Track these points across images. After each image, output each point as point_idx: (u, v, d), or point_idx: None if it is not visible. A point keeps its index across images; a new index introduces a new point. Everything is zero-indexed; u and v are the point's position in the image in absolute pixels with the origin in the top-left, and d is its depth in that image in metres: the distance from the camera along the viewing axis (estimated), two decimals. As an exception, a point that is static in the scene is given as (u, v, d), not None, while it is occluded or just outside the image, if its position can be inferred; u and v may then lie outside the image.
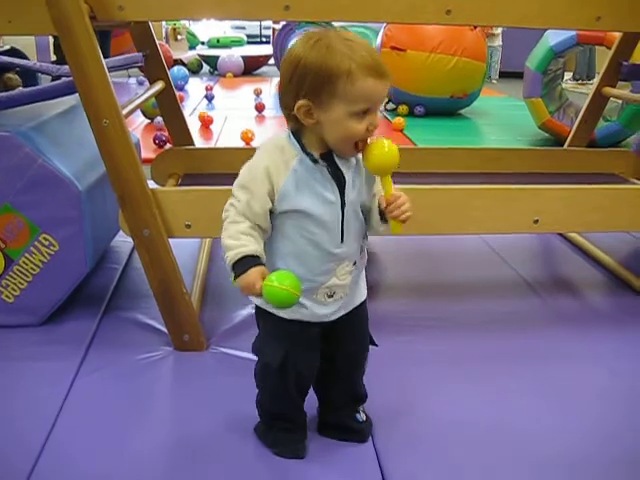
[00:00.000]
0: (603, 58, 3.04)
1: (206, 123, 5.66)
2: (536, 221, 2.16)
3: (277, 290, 1.30)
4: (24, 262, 2.13)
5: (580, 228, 2.51)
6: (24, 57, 3.56)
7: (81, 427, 1.70)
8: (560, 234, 3.18)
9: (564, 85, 5.48)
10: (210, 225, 1.97)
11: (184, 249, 2.24)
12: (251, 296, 1.38)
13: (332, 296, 1.48)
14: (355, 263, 1.49)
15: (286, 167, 1.39)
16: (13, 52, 3.52)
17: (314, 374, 1.59)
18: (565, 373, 2.00)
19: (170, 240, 2.02)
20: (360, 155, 1.41)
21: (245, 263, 1.35)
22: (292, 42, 1.39)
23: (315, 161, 1.39)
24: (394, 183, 1.40)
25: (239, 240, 1.38)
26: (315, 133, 1.38)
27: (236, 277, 1.36)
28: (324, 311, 1.49)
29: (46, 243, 2.12)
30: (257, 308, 1.54)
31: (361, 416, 1.68)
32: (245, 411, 1.68)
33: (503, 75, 9.08)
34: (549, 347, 2.15)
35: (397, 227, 1.41)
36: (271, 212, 1.42)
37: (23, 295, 2.16)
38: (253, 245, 1.38)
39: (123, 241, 2.76)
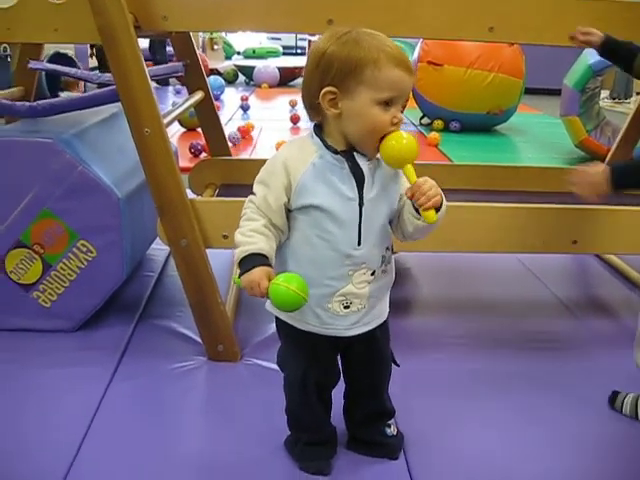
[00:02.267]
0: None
1: (244, 134, 5.64)
2: (574, 242, 2.14)
3: (283, 290, 1.27)
4: (62, 268, 2.15)
5: (619, 250, 2.48)
6: (72, 61, 3.63)
7: (114, 435, 1.71)
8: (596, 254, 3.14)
9: (601, 103, 5.42)
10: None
11: (220, 258, 2.24)
12: (255, 296, 1.33)
13: (348, 307, 1.44)
14: (374, 273, 1.44)
15: (305, 161, 1.38)
16: (60, 57, 3.60)
17: (335, 385, 1.60)
18: (600, 395, 1.96)
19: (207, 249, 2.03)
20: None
21: (251, 261, 1.33)
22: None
23: (336, 153, 1.37)
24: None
25: (250, 237, 1.36)
26: (337, 128, 1.37)
27: (241, 275, 1.34)
28: (340, 323, 1.45)
29: (84, 249, 2.14)
30: (277, 319, 1.53)
31: (391, 430, 1.66)
32: (277, 424, 1.67)
33: (538, 92, 9.03)
34: (584, 368, 2.12)
35: (429, 216, 1.34)
36: (288, 210, 1.40)
37: (60, 300, 2.18)
38: (262, 244, 1.35)
39: (159, 249, 2.77)
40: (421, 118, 6.75)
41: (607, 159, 3.18)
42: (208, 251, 2.03)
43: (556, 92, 5.37)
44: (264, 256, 1.35)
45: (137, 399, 1.87)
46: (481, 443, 1.73)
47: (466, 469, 1.63)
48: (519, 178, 2.93)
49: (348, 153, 1.38)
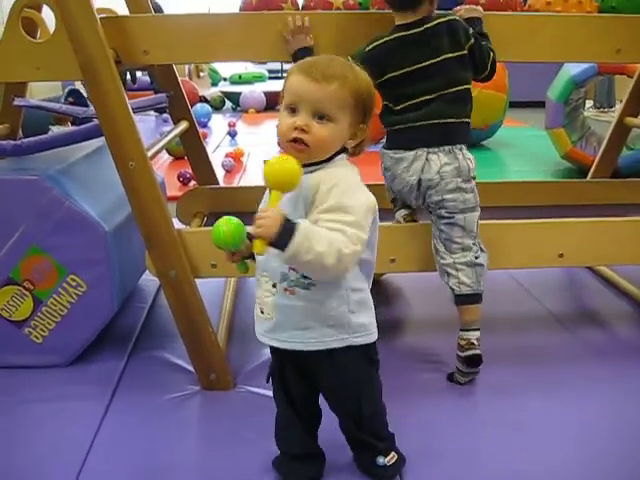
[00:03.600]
0: (623, 85, 3.02)
1: (235, 159, 5.61)
2: (561, 255, 2.16)
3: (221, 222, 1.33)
4: (52, 303, 2.15)
5: (606, 261, 2.50)
6: (84, 98, 3.76)
7: (109, 469, 1.71)
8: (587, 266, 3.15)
9: (586, 113, 5.45)
10: (236, 265, 1.98)
11: (210, 287, 2.25)
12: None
13: (262, 312, 1.49)
14: (275, 286, 1.44)
15: None
16: (75, 93, 3.76)
17: (307, 403, 1.61)
18: (596, 407, 1.98)
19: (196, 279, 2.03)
20: (305, 177, 1.34)
21: None
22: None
23: None
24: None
25: None
26: None
27: None
28: (259, 326, 1.51)
29: (74, 284, 2.14)
30: None
31: (383, 460, 1.60)
32: (270, 451, 1.67)
33: (524, 105, 9.08)
34: (579, 380, 2.13)
35: (255, 244, 1.28)
36: None
37: (51, 336, 2.18)
38: None
39: (150, 279, 2.76)
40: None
41: (592, 168, 3.20)
42: (197, 280, 2.04)
43: (542, 104, 5.38)
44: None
45: (131, 432, 1.87)
46: (477, 462, 1.73)
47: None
48: (505, 193, 2.94)
49: None
